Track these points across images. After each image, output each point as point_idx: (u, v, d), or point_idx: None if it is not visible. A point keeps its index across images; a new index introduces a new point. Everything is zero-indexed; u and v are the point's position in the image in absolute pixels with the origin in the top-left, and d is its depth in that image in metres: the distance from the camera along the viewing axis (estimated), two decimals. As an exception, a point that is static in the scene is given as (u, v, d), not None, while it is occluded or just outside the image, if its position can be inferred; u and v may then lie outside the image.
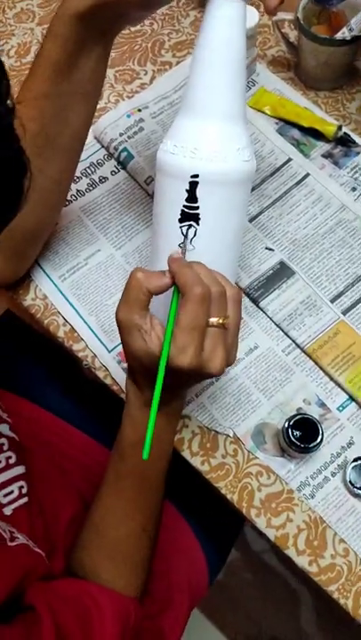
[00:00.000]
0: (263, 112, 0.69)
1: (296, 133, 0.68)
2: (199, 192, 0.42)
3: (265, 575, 1.12)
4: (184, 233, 0.43)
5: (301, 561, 0.50)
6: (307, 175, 0.65)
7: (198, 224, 0.43)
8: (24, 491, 0.55)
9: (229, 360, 0.41)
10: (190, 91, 0.42)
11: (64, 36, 0.43)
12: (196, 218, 0.43)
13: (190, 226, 0.43)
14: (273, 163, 0.66)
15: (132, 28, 0.77)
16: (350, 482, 0.51)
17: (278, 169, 0.66)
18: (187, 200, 0.42)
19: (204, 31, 0.40)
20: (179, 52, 0.75)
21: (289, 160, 0.66)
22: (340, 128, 0.66)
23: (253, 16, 0.64)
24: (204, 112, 0.41)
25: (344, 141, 0.66)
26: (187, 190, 0.42)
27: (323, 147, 0.67)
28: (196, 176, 0.41)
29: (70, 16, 0.42)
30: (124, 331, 0.40)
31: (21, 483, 0.55)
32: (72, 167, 0.54)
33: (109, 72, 0.74)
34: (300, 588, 1.09)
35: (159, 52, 0.75)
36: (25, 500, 0.54)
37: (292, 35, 0.73)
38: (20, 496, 0.54)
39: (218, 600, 1.11)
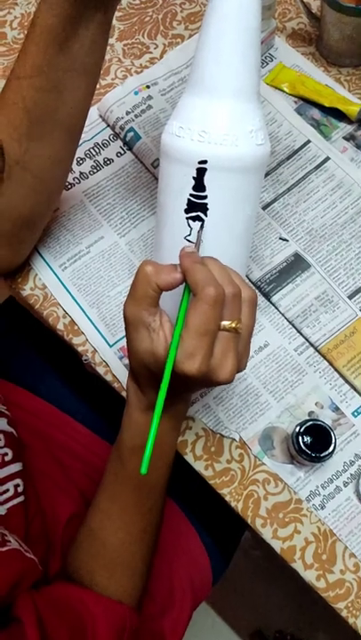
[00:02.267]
0: (281, 90, 0.64)
1: (316, 113, 0.63)
2: (207, 179, 0.38)
3: (271, 567, 1.11)
4: (192, 225, 0.39)
5: (309, 575, 0.47)
6: (327, 159, 0.61)
7: (206, 215, 0.39)
8: (20, 489, 0.53)
9: (240, 367, 0.38)
10: (198, 64, 0.37)
11: (59, 3, 0.39)
12: (203, 208, 0.39)
13: (198, 217, 0.39)
14: (290, 145, 0.62)
15: (143, -2, 0.72)
16: (364, 493, 0.48)
17: (296, 152, 0.61)
18: (194, 188, 0.38)
19: (215, -4, 0.36)
20: (192, 25, 0.70)
21: (308, 142, 0.62)
22: (364, 108, 0.61)
23: (273, -17, 0.59)
24: (213, 89, 0.37)
25: (368, 123, 0.62)
26: (194, 177, 0.38)
27: (345, 128, 0.62)
28: (205, 162, 0.37)
29: None
30: (130, 327, 0.37)
31: (17, 481, 0.53)
32: (71, 148, 0.50)
33: (117, 46, 0.69)
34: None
35: (171, 24, 0.70)
36: (21, 498, 0.52)
37: (315, 5, 0.68)
38: (16, 495, 0.52)
39: (223, 592, 1.10)
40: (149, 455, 0.33)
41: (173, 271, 0.36)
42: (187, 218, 0.39)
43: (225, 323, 0.35)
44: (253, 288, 0.38)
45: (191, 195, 0.39)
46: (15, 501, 0.51)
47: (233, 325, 0.35)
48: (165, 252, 0.42)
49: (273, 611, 1.12)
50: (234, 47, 0.36)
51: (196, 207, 0.39)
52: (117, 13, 0.71)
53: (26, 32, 0.42)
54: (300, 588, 1.07)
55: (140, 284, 0.36)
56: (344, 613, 0.46)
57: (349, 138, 0.62)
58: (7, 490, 0.52)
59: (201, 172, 0.38)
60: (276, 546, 0.48)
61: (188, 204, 0.39)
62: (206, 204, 0.39)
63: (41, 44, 0.41)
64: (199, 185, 0.38)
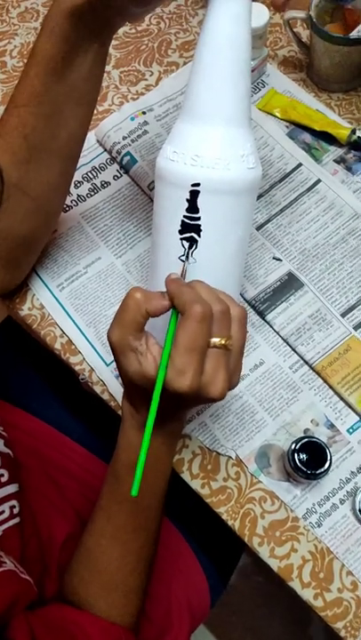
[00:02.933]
0: (273, 115, 0.66)
1: (307, 137, 0.65)
2: (200, 202, 0.39)
3: (271, 584, 1.09)
4: (185, 246, 0.40)
5: (306, 594, 0.47)
6: (318, 181, 0.62)
7: (200, 236, 0.40)
8: (15, 510, 0.53)
9: (232, 383, 0.39)
10: (191, 92, 0.39)
11: (59, 33, 0.40)
12: (197, 229, 0.40)
13: (192, 237, 0.40)
14: (282, 168, 0.63)
15: (139, 27, 0.74)
16: (360, 510, 0.48)
17: (288, 174, 0.63)
18: (187, 210, 0.39)
19: (207, 28, 0.37)
20: (186, 53, 0.72)
21: (299, 165, 0.63)
22: (353, 132, 0.63)
23: (264, 14, 0.61)
24: (205, 116, 0.38)
25: (358, 146, 0.63)
26: (187, 200, 0.39)
27: (335, 151, 0.64)
28: (198, 184, 0.38)
29: (65, 11, 0.40)
30: (117, 353, 0.38)
31: (13, 502, 0.53)
32: (69, 173, 0.51)
33: (114, 73, 0.71)
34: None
35: (166, 52, 0.72)
36: (17, 520, 0.52)
37: (305, 34, 0.70)
38: (12, 516, 0.52)
39: (223, 616, 1.08)
40: (140, 476, 0.34)
41: (162, 298, 0.37)
42: (181, 238, 0.40)
43: (215, 340, 0.36)
44: (243, 306, 0.39)
45: (185, 216, 0.40)
46: (11, 523, 0.51)
47: (223, 342, 0.36)
48: (160, 270, 0.43)
49: (273, 636, 1.10)
50: (225, 76, 0.38)
51: (190, 228, 0.40)
52: (114, 42, 0.73)
53: (25, 61, 0.44)
54: (300, 614, 1.06)
55: (129, 311, 0.36)
56: (343, 633, 0.46)
57: (340, 161, 0.64)
58: (3, 511, 0.52)
59: (194, 195, 0.39)
60: (274, 564, 0.48)
61: (181, 225, 0.40)
62: (199, 225, 0.40)
63: (40, 73, 0.42)
64: (192, 207, 0.39)
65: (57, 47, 0.41)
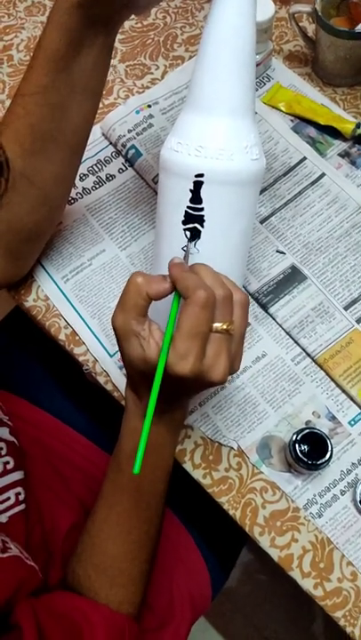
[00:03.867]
0: (278, 109, 0.66)
1: (312, 131, 0.65)
2: (204, 192, 0.39)
3: (273, 581, 1.10)
4: (188, 236, 0.41)
5: (306, 584, 0.47)
6: (322, 175, 0.62)
7: (203, 226, 0.40)
8: (21, 497, 0.53)
9: (233, 368, 0.39)
10: (195, 83, 0.39)
11: (64, 26, 0.41)
12: (200, 220, 0.40)
13: (194, 228, 0.41)
14: (287, 162, 0.63)
15: (145, 22, 0.75)
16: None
17: (292, 168, 0.63)
18: (191, 201, 0.40)
19: (212, 19, 0.38)
20: (192, 47, 0.72)
21: (304, 159, 0.63)
22: (358, 126, 0.63)
23: (269, 8, 0.61)
24: (209, 107, 0.39)
25: (362, 140, 0.63)
26: (191, 190, 0.40)
27: (340, 145, 0.64)
28: (201, 175, 0.39)
29: (71, 3, 0.40)
30: (120, 337, 0.38)
31: (19, 489, 0.53)
32: (74, 164, 0.52)
33: (120, 67, 0.71)
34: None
35: (172, 46, 0.73)
36: (22, 507, 0.53)
37: (310, 28, 0.70)
38: (17, 503, 0.53)
39: (224, 610, 1.09)
40: (142, 453, 0.34)
41: (163, 281, 0.37)
42: (184, 229, 0.41)
43: (217, 324, 0.36)
44: (245, 292, 0.39)
45: (188, 207, 0.40)
46: (16, 509, 0.52)
47: (225, 327, 0.36)
48: (163, 260, 0.43)
49: (274, 632, 1.10)
50: (229, 68, 0.38)
51: (193, 219, 0.40)
52: (120, 36, 0.73)
53: (32, 54, 0.44)
54: (303, 612, 1.06)
55: (130, 295, 0.37)
56: (342, 622, 0.46)
57: (344, 155, 0.64)
58: (8, 498, 0.52)
59: (198, 185, 0.39)
60: (274, 554, 0.48)
61: (185, 216, 0.40)
62: (203, 215, 0.40)
63: (45, 65, 0.43)
64: (196, 197, 0.40)
65: (63, 39, 0.42)
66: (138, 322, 0.37)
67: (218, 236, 0.41)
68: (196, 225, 0.40)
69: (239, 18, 0.37)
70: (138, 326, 0.37)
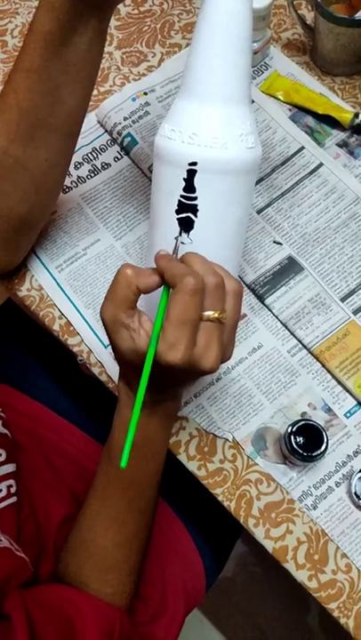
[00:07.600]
0: (276, 97, 0.65)
1: (310, 121, 0.64)
2: (197, 181, 0.39)
3: (269, 574, 1.10)
4: (180, 225, 0.40)
5: (301, 575, 0.47)
6: (320, 165, 0.62)
7: (196, 216, 0.40)
8: (13, 490, 0.53)
9: (225, 357, 0.38)
10: (190, 70, 0.38)
11: (57, 8, 0.40)
12: (193, 209, 0.40)
13: (188, 218, 0.40)
14: (284, 151, 0.63)
15: (141, 8, 0.73)
16: (356, 493, 0.48)
17: (290, 158, 0.62)
18: (184, 189, 0.39)
19: (206, 4, 0.37)
20: (189, 34, 0.71)
21: (301, 149, 0.63)
22: (356, 116, 0.62)
23: (267, -6, 0.60)
24: (203, 93, 0.38)
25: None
26: (184, 179, 0.39)
27: (338, 135, 0.63)
28: (195, 164, 0.38)
29: None
30: (110, 330, 0.38)
31: (10, 481, 0.53)
32: (68, 151, 0.51)
33: (116, 54, 0.70)
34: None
35: (168, 33, 0.72)
36: (14, 499, 0.52)
37: (309, 16, 0.69)
38: (9, 495, 0.52)
39: (219, 603, 1.09)
40: (129, 446, 0.33)
41: (153, 274, 0.36)
42: (177, 218, 0.40)
43: (208, 313, 0.35)
44: (238, 280, 0.38)
45: (182, 196, 0.39)
46: (8, 502, 0.52)
47: (216, 315, 0.35)
48: (157, 249, 0.43)
49: (269, 624, 1.11)
50: (224, 54, 0.37)
51: (187, 208, 0.40)
52: (116, 23, 0.72)
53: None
54: (297, 601, 1.06)
55: (119, 287, 0.36)
56: (336, 614, 0.46)
57: (342, 144, 0.63)
58: (0, 490, 0.52)
59: (191, 174, 0.38)
60: (269, 546, 0.48)
61: (178, 205, 0.40)
62: (196, 205, 0.39)
63: (37, 49, 0.42)
64: (189, 186, 0.39)
65: (55, 22, 0.41)
66: (127, 314, 0.36)
67: (212, 226, 0.41)
68: (190, 214, 0.40)
69: (234, 2, 0.36)
70: (127, 319, 0.36)
